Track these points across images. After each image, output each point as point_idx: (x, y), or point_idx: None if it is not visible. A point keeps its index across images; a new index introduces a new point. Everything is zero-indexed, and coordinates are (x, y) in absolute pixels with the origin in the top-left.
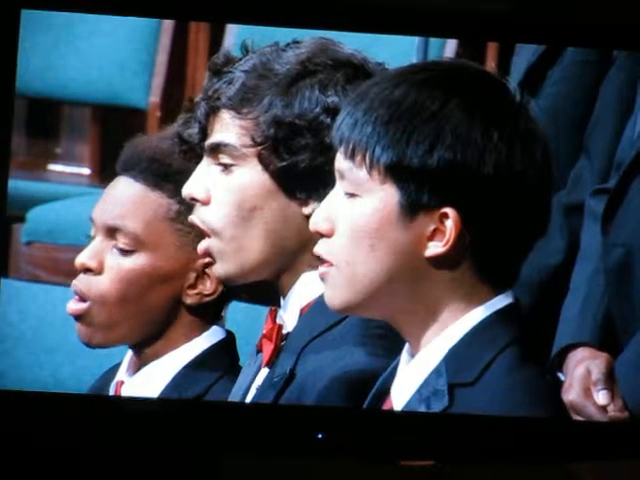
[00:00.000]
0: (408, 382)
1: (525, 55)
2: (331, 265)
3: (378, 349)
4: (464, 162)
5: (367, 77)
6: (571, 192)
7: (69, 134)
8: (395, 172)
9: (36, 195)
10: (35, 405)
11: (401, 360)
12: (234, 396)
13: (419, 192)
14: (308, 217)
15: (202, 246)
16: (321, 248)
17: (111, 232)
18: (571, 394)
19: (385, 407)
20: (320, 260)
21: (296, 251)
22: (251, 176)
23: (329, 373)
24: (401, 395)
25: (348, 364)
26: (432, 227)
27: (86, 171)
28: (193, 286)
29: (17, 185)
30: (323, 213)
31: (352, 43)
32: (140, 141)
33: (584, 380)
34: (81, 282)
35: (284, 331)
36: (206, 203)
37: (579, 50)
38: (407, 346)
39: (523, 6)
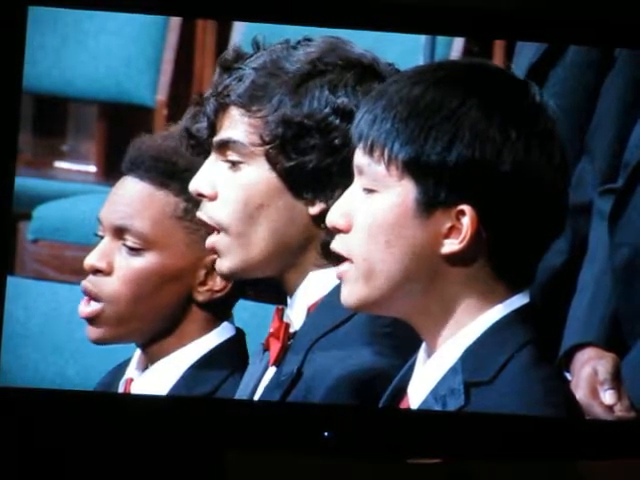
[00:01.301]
0: (425, 381)
1: (527, 55)
2: (350, 262)
3: (384, 348)
4: (482, 160)
5: (377, 78)
6: (573, 193)
7: (76, 132)
8: (413, 168)
9: (42, 193)
10: (41, 403)
11: (418, 359)
12: (241, 394)
13: (436, 189)
14: (314, 217)
15: (210, 242)
16: (338, 245)
17: (119, 232)
18: (578, 394)
19: (402, 406)
20: (337, 259)
21: (300, 249)
22: (258, 174)
23: (335, 372)
24: (418, 394)
25: (354, 363)
26: (449, 224)
27: (93, 169)
28: (203, 283)
29: (24, 182)
30: (340, 209)
31: (359, 41)
32: (144, 140)
33: (591, 380)
34: (91, 283)
35: (291, 330)
36: (213, 199)
37: (581, 50)
38: (424, 345)
39: (528, 4)
